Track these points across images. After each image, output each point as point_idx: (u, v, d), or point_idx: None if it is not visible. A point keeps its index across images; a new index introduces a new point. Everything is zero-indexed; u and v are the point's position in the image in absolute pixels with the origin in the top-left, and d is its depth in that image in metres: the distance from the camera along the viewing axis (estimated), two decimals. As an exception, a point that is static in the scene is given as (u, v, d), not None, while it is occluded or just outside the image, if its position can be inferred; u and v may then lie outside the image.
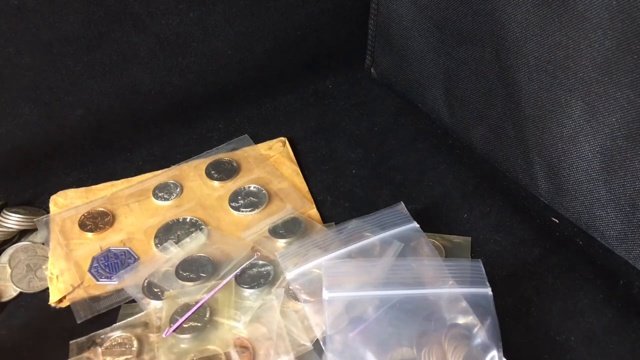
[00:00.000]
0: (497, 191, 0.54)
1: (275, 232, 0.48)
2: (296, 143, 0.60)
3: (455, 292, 0.40)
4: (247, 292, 0.43)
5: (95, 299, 0.44)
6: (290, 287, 0.43)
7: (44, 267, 0.47)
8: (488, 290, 0.40)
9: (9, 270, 0.46)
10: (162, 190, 0.53)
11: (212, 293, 0.42)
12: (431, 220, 0.49)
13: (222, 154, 0.57)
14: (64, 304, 0.44)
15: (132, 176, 0.55)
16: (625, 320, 0.43)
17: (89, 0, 0.53)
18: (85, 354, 0.39)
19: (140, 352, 0.40)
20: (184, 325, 0.40)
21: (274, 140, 0.59)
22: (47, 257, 0.47)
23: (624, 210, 0.45)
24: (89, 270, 0.46)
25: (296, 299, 0.42)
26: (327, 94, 0.67)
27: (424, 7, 0.56)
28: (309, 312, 0.41)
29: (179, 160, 0.57)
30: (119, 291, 0.44)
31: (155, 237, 0.48)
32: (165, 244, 0.47)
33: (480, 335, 0.38)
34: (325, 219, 0.51)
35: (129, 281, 0.45)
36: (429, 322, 0.39)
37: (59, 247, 0.47)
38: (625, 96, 0.40)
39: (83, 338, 0.41)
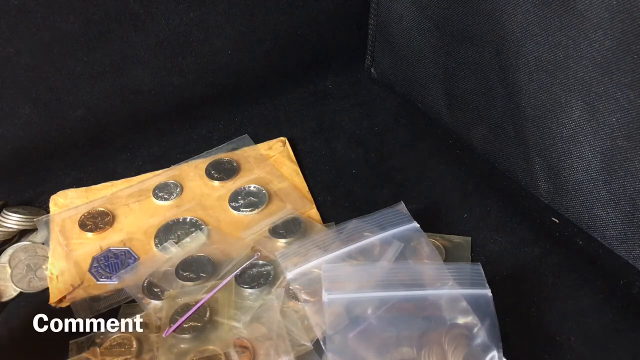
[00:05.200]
0: (497, 191, 0.54)
1: (275, 232, 0.48)
2: (296, 143, 0.60)
3: (455, 293, 0.40)
4: (247, 292, 0.43)
5: (95, 299, 0.44)
6: (290, 287, 0.43)
7: (44, 267, 0.47)
8: (488, 292, 0.40)
9: (9, 270, 0.46)
10: (162, 190, 0.53)
11: (212, 293, 0.42)
12: (431, 220, 0.49)
13: (222, 154, 0.57)
14: (64, 304, 0.44)
15: (132, 176, 0.55)
16: (625, 320, 0.43)
17: (89, 0, 0.53)
18: (85, 354, 0.39)
19: (140, 352, 0.40)
20: (184, 325, 0.40)
21: (274, 140, 0.59)
22: (47, 257, 0.47)
23: (624, 210, 0.45)
24: (89, 270, 0.46)
25: (296, 299, 0.42)
26: (327, 94, 0.67)
27: (424, 7, 0.56)
28: (309, 312, 0.41)
29: (179, 160, 0.57)
30: (119, 291, 0.44)
31: (155, 237, 0.48)
32: (165, 244, 0.47)
33: (480, 335, 0.38)
34: (325, 219, 0.51)
35: (129, 281, 0.45)
36: (429, 322, 0.39)
37: (59, 247, 0.47)
38: (625, 96, 0.40)
39: (83, 338, 0.41)
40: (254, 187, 0.53)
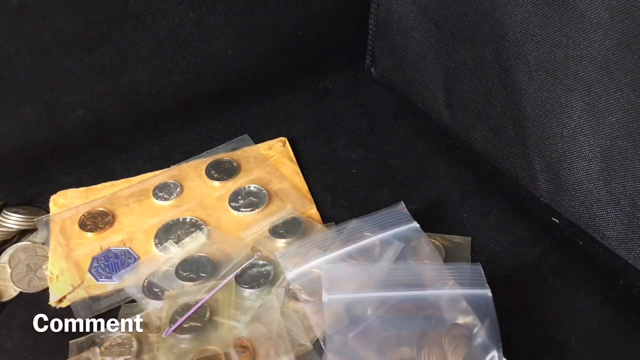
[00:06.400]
0: (497, 191, 0.54)
1: (275, 232, 0.48)
2: (296, 143, 0.60)
3: (455, 293, 0.40)
4: (247, 292, 0.43)
5: (95, 299, 0.44)
6: (290, 287, 0.43)
7: (44, 267, 0.47)
8: (488, 292, 0.40)
9: (9, 270, 0.46)
10: (162, 190, 0.53)
11: (212, 293, 0.42)
12: (431, 220, 0.49)
13: (222, 154, 0.57)
14: (64, 304, 0.44)
15: (132, 176, 0.55)
16: (625, 320, 0.43)
17: (89, 0, 0.53)
18: (85, 354, 0.39)
19: (139, 352, 0.40)
20: (184, 325, 0.40)
21: (274, 140, 0.59)
22: (47, 257, 0.47)
23: (624, 210, 0.45)
24: (89, 270, 0.46)
25: (296, 299, 0.42)
26: (327, 94, 0.67)
27: (424, 6, 0.56)
28: (309, 312, 0.41)
29: (179, 160, 0.57)
30: (119, 291, 0.44)
31: (155, 237, 0.48)
32: (165, 244, 0.47)
33: (480, 335, 0.38)
34: (325, 219, 0.51)
35: (129, 281, 0.45)
36: (429, 322, 0.39)
37: (59, 247, 0.47)
38: (625, 96, 0.40)
39: (83, 338, 0.41)
40: (254, 187, 0.53)
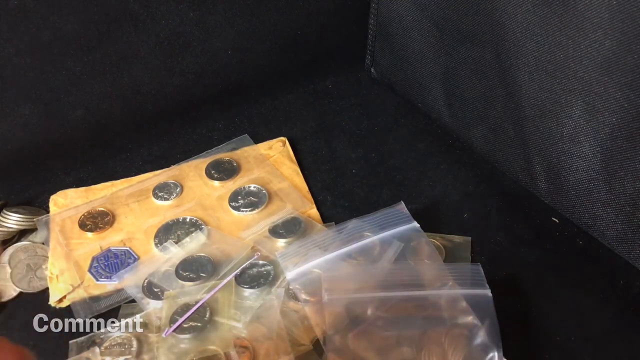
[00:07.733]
0: (497, 191, 0.54)
1: (275, 232, 0.48)
2: (296, 143, 0.60)
3: (455, 293, 0.40)
4: (247, 292, 0.43)
5: (95, 299, 0.44)
6: (290, 287, 0.43)
7: (44, 267, 0.47)
8: (488, 292, 0.40)
9: (9, 270, 0.46)
10: (162, 190, 0.53)
11: (212, 293, 0.42)
12: (431, 220, 0.49)
13: (222, 154, 0.57)
14: (64, 304, 0.44)
15: (132, 176, 0.55)
16: (625, 320, 0.43)
17: (89, 0, 0.53)
18: (85, 354, 0.39)
19: (139, 352, 0.40)
20: (184, 325, 0.40)
21: (274, 140, 0.59)
22: (47, 257, 0.47)
23: (624, 210, 0.45)
24: (89, 270, 0.46)
25: (296, 299, 0.42)
26: (327, 94, 0.67)
27: (424, 6, 0.56)
28: (309, 312, 0.41)
29: (179, 160, 0.57)
30: (119, 291, 0.44)
31: (155, 236, 0.48)
32: (165, 244, 0.47)
33: (480, 336, 0.38)
34: (325, 219, 0.51)
35: (129, 281, 0.45)
36: (429, 322, 0.39)
37: (59, 246, 0.47)
38: (625, 96, 0.40)
39: (83, 338, 0.41)
40: (254, 187, 0.53)
